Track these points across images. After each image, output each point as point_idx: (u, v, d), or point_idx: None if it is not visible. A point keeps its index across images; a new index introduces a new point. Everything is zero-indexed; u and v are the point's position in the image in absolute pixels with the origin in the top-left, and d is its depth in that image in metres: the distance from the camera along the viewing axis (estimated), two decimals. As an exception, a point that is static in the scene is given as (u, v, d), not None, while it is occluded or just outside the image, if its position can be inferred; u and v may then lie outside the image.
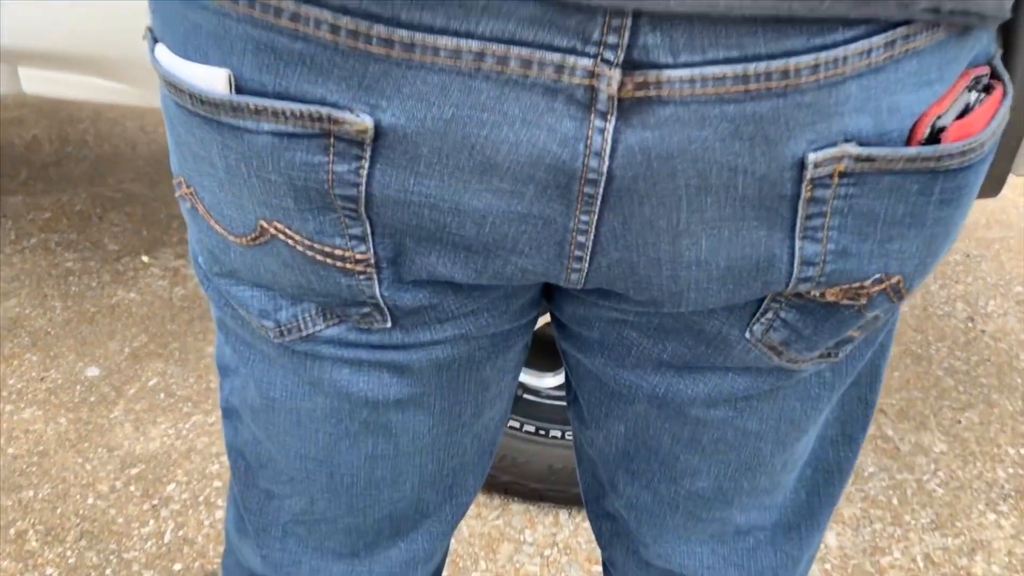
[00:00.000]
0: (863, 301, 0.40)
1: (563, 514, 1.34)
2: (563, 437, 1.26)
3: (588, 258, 0.38)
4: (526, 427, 1.27)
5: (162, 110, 0.43)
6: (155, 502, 1.35)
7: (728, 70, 0.31)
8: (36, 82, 1.21)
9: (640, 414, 0.51)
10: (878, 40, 0.32)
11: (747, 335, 0.43)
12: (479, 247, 0.39)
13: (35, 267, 1.96)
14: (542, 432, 1.26)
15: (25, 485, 1.36)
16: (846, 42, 0.32)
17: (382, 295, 0.41)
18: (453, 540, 1.18)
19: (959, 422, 1.55)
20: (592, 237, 0.37)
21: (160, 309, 1.82)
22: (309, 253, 0.40)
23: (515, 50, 0.32)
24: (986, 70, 0.38)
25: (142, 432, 1.48)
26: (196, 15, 0.36)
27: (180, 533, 1.30)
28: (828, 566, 1.26)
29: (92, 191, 2.33)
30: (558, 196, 0.36)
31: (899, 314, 0.51)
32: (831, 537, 1.30)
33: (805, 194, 0.35)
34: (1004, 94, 0.38)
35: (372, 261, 0.40)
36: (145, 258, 2.01)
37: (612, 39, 0.31)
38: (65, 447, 1.44)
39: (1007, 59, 0.40)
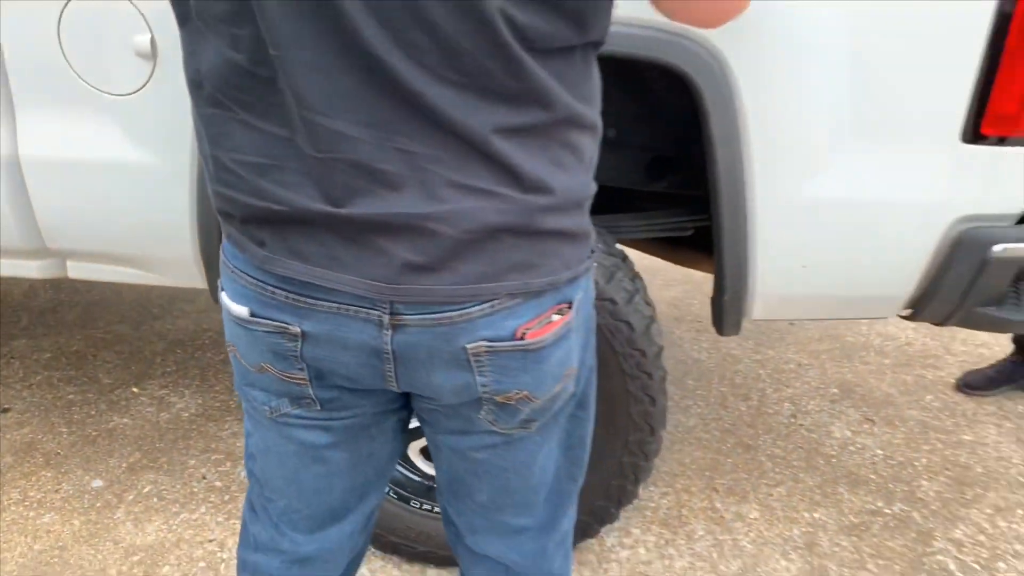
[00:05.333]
0: (514, 403, 0.90)
1: (467, 575, 1.78)
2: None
3: (395, 380, 0.87)
4: (437, 509, 1.73)
5: (223, 317, 0.92)
6: (153, 580, 1.75)
7: (430, 318, 0.81)
8: (80, 271, 1.70)
9: (448, 458, 1.00)
10: (495, 306, 0.82)
11: (479, 415, 0.92)
12: (350, 376, 0.88)
13: (42, 400, 2.39)
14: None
15: (50, 574, 1.76)
16: (477, 306, 0.82)
17: (313, 393, 0.90)
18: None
19: (771, 495, 2.05)
20: (393, 371, 0.86)
21: (150, 431, 2.25)
22: (280, 376, 0.89)
23: (351, 308, 0.81)
24: (567, 305, 0.88)
25: (140, 528, 1.89)
26: (237, 286, 0.86)
27: (174, 602, 1.70)
28: (661, 604, 1.72)
29: (85, 333, 2.78)
30: (376, 358, 0.85)
31: (574, 399, 0.99)
32: (589, 572, 1.76)
33: (471, 359, 0.85)
34: (570, 317, 0.88)
35: (307, 378, 0.89)
36: (135, 389, 2.45)
37: (386, 308, 0.81)
38: (80, 542, 1.85)
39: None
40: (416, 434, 1.68)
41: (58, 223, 1.62)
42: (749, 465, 2.17)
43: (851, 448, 2.25)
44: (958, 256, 1.43)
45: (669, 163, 1.77)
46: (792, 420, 2.39)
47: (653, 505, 2.00)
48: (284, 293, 0.82)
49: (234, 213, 0.82)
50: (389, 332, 0.82)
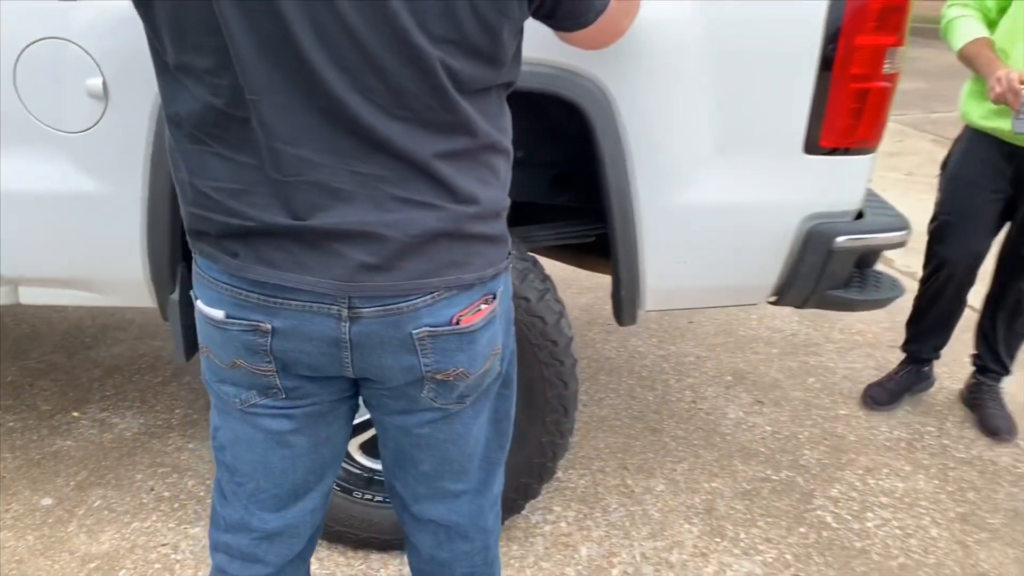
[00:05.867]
0: (452, 379, 1.10)
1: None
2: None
3: (351, 366, 1.06)
4: (376, 498, 1.91)
5: (197, 322, 1.10)
6: (112, 584, 1.87)
7: (382, 310, 1.01)
8: (33, 296, 1.82)
9: (394, 436, 1.19)
10: (435, 297, 1.03)
11: (422, 394, 1.12)
12: (312, 365, 1.06)
13: (-18, 429, 2.45)
14: (387, 500, 1.90)
15: (9, 584, 1.85)
16: (420, 298, 1.03)
17: (280, 383, 1.08)
18: (331, 576, 1.78)
19: (675, 470, 2.31)
20: (350, 358, 1.05)
21: (94, 451, 2.35)
22: (251, 370, 1.07)
23: (315, 305, 1.00)
24: (492, 296, 1.10)
25: (94, 539, 2.00)
26: (212, 293, 1.04)
27: (134, 600, 1.82)
28: (579, 568, 1.94)
29: (19, 364, 2.84)
30: (335, 347, 1.04)
31: (500, 378, 1.20)
32: (583, 549, 1.99)
33: (416, 343, 1.05)
34: (495, 306, 1.10)
35: (274, 370, 1.07)
36: (75, 413, 2.54)
37: (344, 303, 1.00)
38: (36, 555, 1.94)
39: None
40: (356, 431, 1.86)
41: (15, 252, 1.74)
42: (655, 446, 2.42)
43: (744, 426, 2.54)
44: (809, 248, 1.72)
45: (570, 180, 2.02)
46: (692, 405, 2.66)
47: (572, 486, 2.23)
48: (256, 296, 1.01)
49: (210, 231, 1.01)
50: (347, 324, 1.01)
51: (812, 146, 1.65)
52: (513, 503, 1.93)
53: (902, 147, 6.12)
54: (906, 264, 3.90)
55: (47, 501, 2.13)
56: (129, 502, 2.14)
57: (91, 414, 2.54)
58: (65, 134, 1.62)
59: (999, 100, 2.17)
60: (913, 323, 2.69)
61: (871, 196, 1.88)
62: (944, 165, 2.56)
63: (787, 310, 3.35)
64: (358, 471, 1.93)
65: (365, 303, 1.00)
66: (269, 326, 1.02)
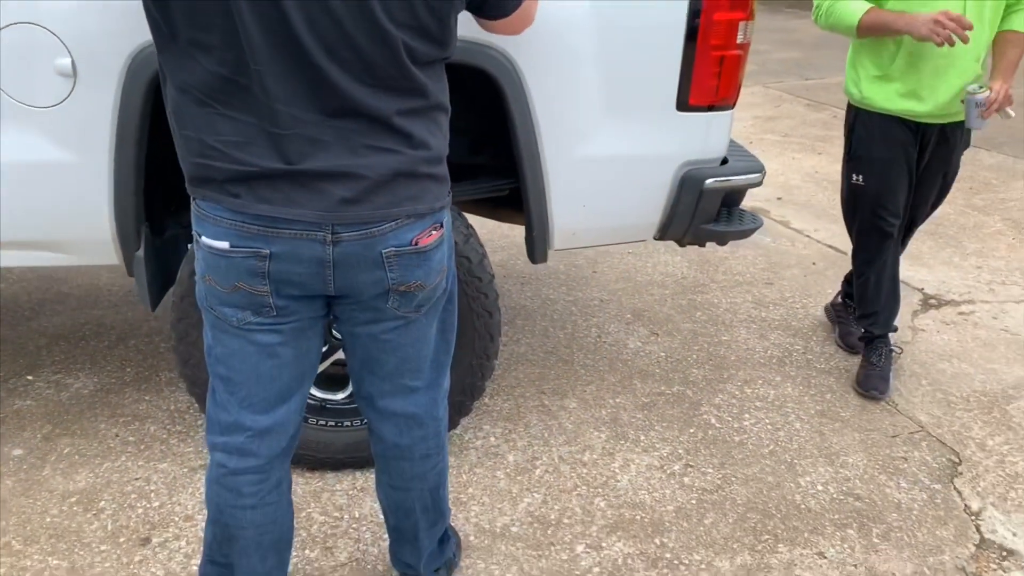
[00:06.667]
0: (412, 291, 1.41)
1: (358, 472, 2.25)
2: (351, 426, 2.19)
3: (333, 283, 1.35)
4: (330, 423, 2.19)
5: (197, 257, 1.36)
6: (92, 513, 2.09)
7: (358, 234, 1.30)
8: (7, 259, 2.00)
9: (364, 344, 1.49)
10: (398, 223, 1.33)
11: (388, 305, 1.41)
12: (301, 283, 1.34)
13: (-62, 395, 2.58)
14: (338, 424, 2.19)
15: (-4, 521, 2.05)
16: (387, 224, 1.32)
17: (272, 302, 1.36)
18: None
19: (585, 391, 2.67)
20: (332, 275, 1.34)
21: (55, 408, 2.53)
22: (250, 290, 1.34)
23: (305, 233, 1.28)
24: (440, 225, 1.40)
25: (70, 478, 2.21)
26: (217, 228, 1.30)
27: (117, 523, 2.05)
28: (507, 471, 2.28)
29: (-38, 337, 2.95)
30: (320, 266, 1.32)
31: (446, 294, 1.51)
32: (510, 456, 2.33)
33: (384, 260, 1.34)
34: (443, 232, 1.41)
35: (269, 290, 1.34)
36: (29, 376, 2.69)
37: (329, 230, 1.29)
38: (16, 496, 2.14)
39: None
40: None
41: (-8, 217, 1.92)
42: (568, 373, 2.79)
43: (641, 354, 2.93)
44: (684, 190, 2.09)
45: (487, 141, 2.33)
46: (598, 339, 3.04)
47: (498, 409, 2.56)
48: (256, 227, 1.28)
49: (216, 177, 1.27)
50: (331, 247, 1.30)
51: (683, 104, 2.01)
52: (449, 420, 2.24)
53: (779, 112, 6.68)
54: (781, 215, 4.39)
55: (18, 451, 2.32)
56: (97, 447, 2.34)
57: (45, 376, 2.70)
58: (37, 109, 1.81)
59: (949, 40, 2.23)
60: (869, 303, 2.74)
61: (734, 146, 2.27)
62: (849, 152, 2.66)
63: (679, 257, 3.78)
64: (312, 401, 2.21)
65: (345, 229, 1.29)
66: (268, 251, 1.29)
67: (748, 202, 4.51)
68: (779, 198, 4.64)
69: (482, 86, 1.93)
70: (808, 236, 4.08)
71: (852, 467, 2.31)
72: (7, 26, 1.75)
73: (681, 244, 2.29)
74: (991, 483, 2.26)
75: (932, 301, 3.39)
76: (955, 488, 2.24)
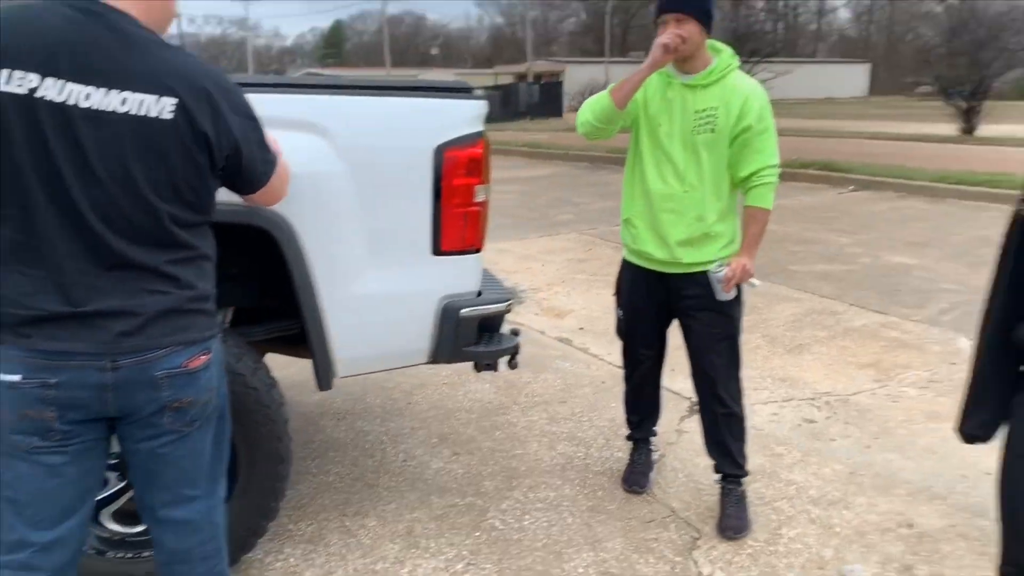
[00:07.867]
0: (185, 407, 1.67)
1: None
2: (149, 555, 2.33)
3: (114, 404, 1.57)
4: (128, 556, 2.32)
5: None
6: None
7: (134, 361, 1.56)
8: None
9: (144, 459, 1.70)
10: (170, 350, 1.61)
11: (163, 421, 1.65)
12: (85, 407, 1.56)
13: None
14: (136, 555, 2.32)
15: None
16: (161, 351, 1.60)
17: (58, 427, 1.57)
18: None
19: (385, 510, 2.91)
20: (113, 398, 1.57)
21: None
22: (36, 417, 1.54)
23: (87, 364, 1.53)
24: (207, 351, 1.68)
25: None
26: (8, 364, 1.53)
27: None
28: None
29: None
30: (102, 390, 1.55)
31: (217, 410, 1.78)
32: (307, 573, 2.51)
33: (159, 381, 1.59)
34: (210, 357, 1.70)
35: (55, 416, 1.55)
36: None
37: (109, 359, 1.54)
38: None
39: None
40: (106, 502, 2.29)
41: None
42: (372, 496, 3.03)
43: (442, 472, 3.23)
44: (444, 319, 2.49)
45: (274, 287, 2.66)
46: (404, 463, 3.31)
47: (300, 533, 2.76)
48: (44, 361, 1.52)
49: (10, 322, 1.52)
50: (110, 372, 1.56)
51: (438, 250, 2.44)
52: (246, 541, 2.43)
53: (589, 254, 7.44)
54: (582, 343, 4.92)
55: None
56: None
57: None
58: None
59: (673, 50, 2.48)
60: (633, 412, 3.13)
61: (489, 279, 2.72)
62: (617, 290, 2.97)
63: (487, 384, 4.17)
64: (108, 535, 2.34)
65: (123, 357, 1.56)
66: (55, 380, 1.54)
67: (555, 333, 5.06)
68: (581, 328, 5.18)
69: (264, 241, 2.28)
70: (602, 359, 4.59)
71: (610, 550, 2.66)
72: None
73: (477, 369, 2.68)
74: (721, 552, 2.66)
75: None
76: (692, 559, 2.62)
